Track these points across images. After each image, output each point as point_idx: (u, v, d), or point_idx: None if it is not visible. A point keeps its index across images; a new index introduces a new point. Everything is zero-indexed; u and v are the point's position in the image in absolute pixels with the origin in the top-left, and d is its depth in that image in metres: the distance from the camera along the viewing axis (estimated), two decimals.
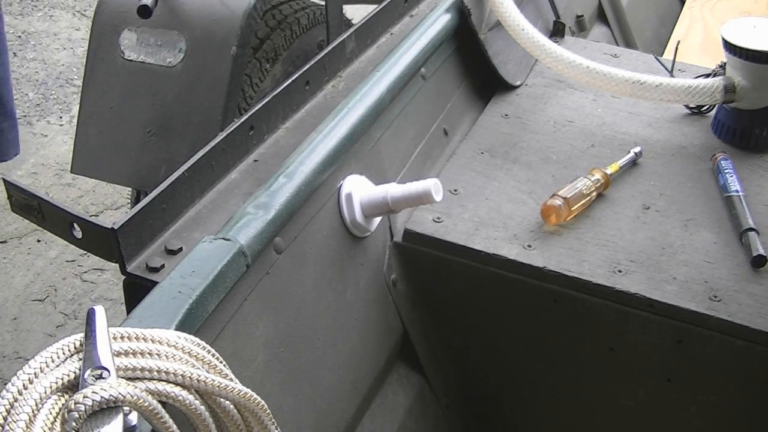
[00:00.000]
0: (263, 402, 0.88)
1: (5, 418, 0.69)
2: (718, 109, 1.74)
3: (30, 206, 1.15)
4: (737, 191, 1.53)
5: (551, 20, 2.10)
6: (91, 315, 0.79)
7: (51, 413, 0.71)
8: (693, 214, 1.52)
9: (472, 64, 1.83)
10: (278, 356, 1.16)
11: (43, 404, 0.71)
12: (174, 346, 0.82)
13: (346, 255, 1.33)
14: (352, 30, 1.61)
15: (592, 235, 1.46)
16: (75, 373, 0.74)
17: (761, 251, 1.40)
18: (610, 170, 1.57)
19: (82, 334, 0.77)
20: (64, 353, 0.76)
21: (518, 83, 1.88)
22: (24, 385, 0.72)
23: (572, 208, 1.48)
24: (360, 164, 1.39)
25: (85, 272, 3.16)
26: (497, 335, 1.52)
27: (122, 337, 0.79)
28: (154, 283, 1.02)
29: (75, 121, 1.97)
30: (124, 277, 1.11)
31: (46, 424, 0.70)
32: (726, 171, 1.58)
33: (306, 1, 2.43)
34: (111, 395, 0.71)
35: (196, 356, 0.83)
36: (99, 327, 0.77)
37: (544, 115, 1.79)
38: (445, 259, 1.45)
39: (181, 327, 0.95)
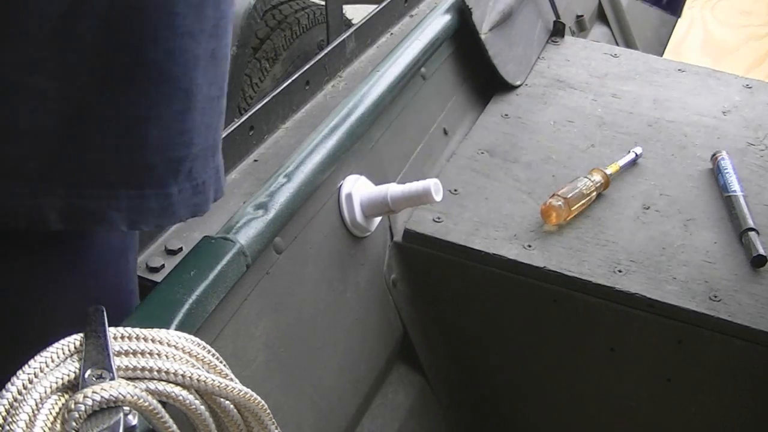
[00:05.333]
0: (263, 402, 0.88)
1: (5, 418, 0.69)
2: None
3: None
4: (737, 191, 1.53)
5: (551, 20, 2.10)
6: (91, 315, 0.79)
7: (51, 413, 0.71)
8: (693, 214, 1.52)
9: (472, 64, 1.83)
10: (278, 356, 1.16)
11: (43, 404, 0.71)
12: (174, 346, 0.82)
13: (346, 255, 1.33)
14: (352, 30, 1.61)
15: (592, 235, 1.46)
16: (75, 373, 0.74)
17: (761, 251, 1.40)
18: (610, 170, 1.57)
19: (82, 334, 0.77)
20: (64, 353, 0.76)
21: (518, 83, 1.88)
22: (24, 384, 0.71)
23: (572, 208, 1.48)
24: (360, 164, 1.39)
25: None
26: (497, 335, 1.52)
27: (122, 337, 0.79)
28: (154, 283, 1.02)
29: None
30: None
31: (46, 424, 0.70)
32: (726, 171, 1.58)
33: (306, 1, 2.43)
34: (111, 395, 0.71)
35: (196, 356, 0.83)
36: (99, 327, 0.77)
37: (544, 115, 1.79)
38: (445, 259, 1.45)
39: (181, 327, 0.95)
